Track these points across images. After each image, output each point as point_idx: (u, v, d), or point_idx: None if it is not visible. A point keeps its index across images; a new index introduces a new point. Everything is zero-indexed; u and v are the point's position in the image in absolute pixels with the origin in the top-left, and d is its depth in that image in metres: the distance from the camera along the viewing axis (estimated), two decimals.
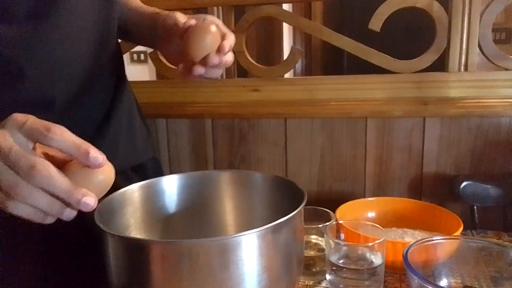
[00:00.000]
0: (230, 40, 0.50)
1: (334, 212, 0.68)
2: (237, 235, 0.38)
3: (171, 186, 0.50)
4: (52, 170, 0.34)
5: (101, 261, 0.41)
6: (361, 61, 0.88)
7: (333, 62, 2.36)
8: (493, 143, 0.82)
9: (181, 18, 0.53)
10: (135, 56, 2.44)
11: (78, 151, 0.35)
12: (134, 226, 0.48)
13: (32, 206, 0.34)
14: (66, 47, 0.50)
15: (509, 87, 0.81)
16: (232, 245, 0.38)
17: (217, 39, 0.48)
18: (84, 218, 0.38)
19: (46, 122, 0.35)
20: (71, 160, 0.37)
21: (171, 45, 0.57)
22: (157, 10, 0.62)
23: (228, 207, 0.53)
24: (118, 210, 0.46)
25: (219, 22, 0.52)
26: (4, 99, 0.46)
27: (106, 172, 0.37)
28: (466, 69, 0.82)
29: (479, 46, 0.81)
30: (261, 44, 2.27)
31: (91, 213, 0.38)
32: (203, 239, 0.37)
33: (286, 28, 2.27)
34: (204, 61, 0.48)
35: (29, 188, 0.34)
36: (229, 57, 0.51)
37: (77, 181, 0.36)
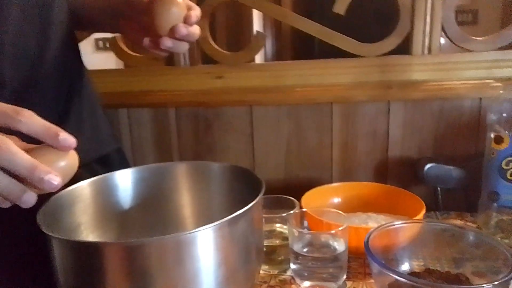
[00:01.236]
0: (197, 11, 0.49)
1: (301, 198, 0.67)
2: (191, 231, 0.36)
3: (125, 181, 0.48)
4: (13, 147, 0.33)
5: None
6: (332, 46, 0.87)
7: (304, 47, 2.34)
8: (455, 126, 0.83)
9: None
10: (100, 43, 2.35)
11: (47, 133, 0.34)
12: (86, 225, 0.45)
13: None
14: (7, 28, 0.47)
15: (471, 69, 0.82)
16: (186, 242, 0.36)
17: (183, 10, 0.47)
18: None
19: (14, 106, 0.34)
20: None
21: (134, 21, 0.54)
22: None
23: (185, 200, 0.51)
24: (67, 209, 0.43)
25: None
26: None
27: (71, 159, 0.36)
28: (429, 52, 0.82)
29: (443, 28, 0.81)
30: (231, 29, 2.23)
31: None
32: (155, 238, 0.35)
33: (256, 13, 2.23)
34: (171, 33, 0.47)
35: None
36: (196, 29, 0.49)
37: (42, 162, 0.34)
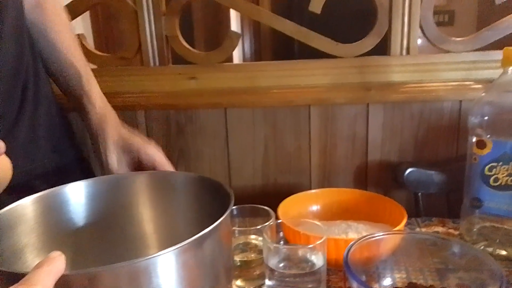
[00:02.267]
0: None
1: (278, 207, 0.64)
2: (149, 257, 0.31)
3: (77, 195, 0.43)
4: None
5: None
6: (312, 47, 0.83)
7: (283, 48, 2.32)
8: (435, 129, 0.81)
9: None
10: None
11: None
12: (32, 247, 0.40)
13: None
14: None
15: (450, 70, 0.80)
16: (145, 269, 0.31)
17: None
18: None
19: None
20: None
21: None
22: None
23: (148, 215, 0.46)
24: (8, 230, 0.38)
25: None
26: None
27: (4, 165, 0.33)
28: (408, 52, 0.80)
29: (421, 28, 0.79)
30: (209, 29, 2.18)
31: None
32: (107, 266, 0.30)
33: (234, 15, 2.19)
34: None
35: None
36: None
37: None
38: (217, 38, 2.19)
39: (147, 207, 0.46)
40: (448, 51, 0.80)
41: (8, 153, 0.34)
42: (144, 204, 0.46)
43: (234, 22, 2.22)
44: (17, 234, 0.38)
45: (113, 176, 0.45)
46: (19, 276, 0.28)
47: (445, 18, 2.07)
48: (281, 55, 2.36)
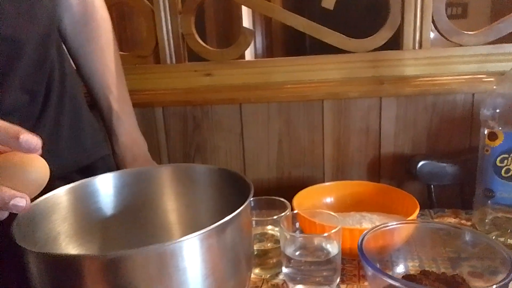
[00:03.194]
0: None
1: (293, 199, 0.65)
2: (176, 241, 0.34)
3: (106, 187, 0.45)
4: None
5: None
6: (323, 42, 0.85)
7: (295, 43, 2.32)
8: (448, 121, 0.81)
9: None
10: None
11: (6, 135, 0.31)
12: (65, 235, 0.42)
13: None
14: None
15: (463, 63, 0.81)
16: (171, 252, 0.34)
17: None
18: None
19: None
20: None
21: None
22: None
23: (171, 205, 0.49)
24: (44, 219, 0.41)
25: None
26: None
27: (38, 170, 0.33)
28: (420, 46, 0.81)
29: (433, 21, 0.80)
30: (221, 26, 2.20)
31: None
32: (138, 249, 0.32)
33: (245, 11, 2.20)
34: None
35: None
36: None
37: (5, 178, 0.31)
38: (229, 34, 2.21)
39: (171, 197, 0.49)
40: (460, 45, 0.80)
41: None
42: (168, 195, 0.48)
43: (246, 18, 2.23)
44: (51, 222, 0.41)
45: (139, 169, 0.47)
46: (61, 258, 0.31)
47: (458, 11, 2.05)
48: (292, 51, 2.36)
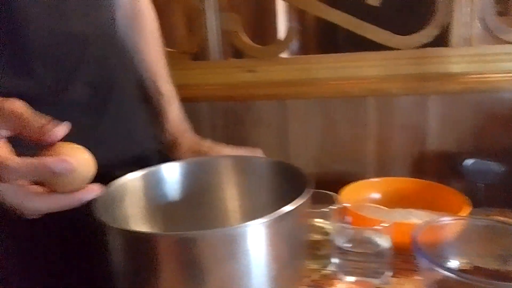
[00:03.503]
0: None
1: (339, 193, 0.66)
2: (243, 225, 0.36)
3: (172, 174, 0.48)
4: (11, 161, 0.33)
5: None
6: (355, 38, 0.85)
7: (327, 40, 2.31)
8: (495, 119, 0.80)
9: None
10: None
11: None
12: (134, 217, 0.46)
13: None
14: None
15: (510, 61, 0.79)
16: (239, 235, 0.36)
17: None
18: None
19: None
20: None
21: None
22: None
23: (231, 194, 0.51)
24: (117, 201, 0.44)
25: None
26: None
27: (83, 160, 0.35)
28: (468, 43, 0.80)
29: (482, 19, 0.79)
30: (254, 23, 2.21)
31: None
32: (208, 230, 0.35)
33: (280, 6, 2.21)
34: None
35: None
36: None
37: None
38: (262, 30, 2.22)
39: (231, 186, 0.51)
40: (509, 42, 0.79)
41: (91, 146, 0.37)
42: (229, 184, 0.51)
43: (281, 16, 2.24)
44: (124, 206, 0.44)
45: (203, 158, 0.50)
46: (140, 235, 0.33)
47: (507, 8, 1.99)
48: (325, 47, 2.35)
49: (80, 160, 0.35)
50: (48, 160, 0.32)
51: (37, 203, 0.35)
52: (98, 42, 0.56)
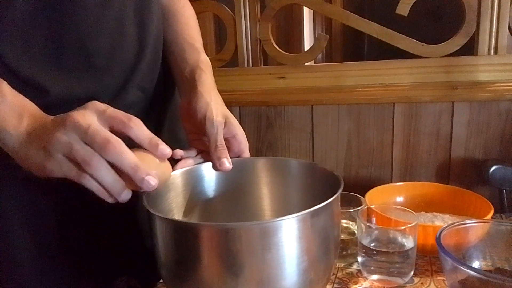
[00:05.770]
0: None
1: (365, 195, 0.69)
2: (277, 219, 0.40)
3: (210, 172, 0.53)
4: (124, 147, 0.38)
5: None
6: (381, 47, 0.88)
7: (353, 48, 2.33)
8: None
9: (209, 122, 0.52)
10: None
11: (150, 143, 0.40)
12: (176, 210, 0.50)
13: (99, 182, 0.37)
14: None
15: None
16: (273, 229, 0.40)
17: None
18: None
19: (125, 113, 0.39)
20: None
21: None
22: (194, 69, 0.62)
23: (264, 193, 0.55)
24: (163, 195, 0.48)
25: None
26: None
27: (166, 167, 0.42)
28: (496, 52, 0.81)
29: (510, 28, 0.80)
30: (282, 31, 2.25)
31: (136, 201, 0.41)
32: (246, 222, 0.39)
33: (307, 15, 2.24)
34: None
35: (101, 163, 0.37)
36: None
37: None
38: (289, 38, 2.26)
39: (266, 186, 0.55)
40: None
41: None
42: (263, 184, 0.55)
43: (307, 24, 2.27)
44: (169, 199, 0.49)
45: (239, 159, 0.54)
46: (183, 224, 0.38)
47: None
48: (351, 55, 2.37)
49: (161, 177, 0.41)
50: (139, 174, 0.38)
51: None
52: (152, 48, 0.61)
